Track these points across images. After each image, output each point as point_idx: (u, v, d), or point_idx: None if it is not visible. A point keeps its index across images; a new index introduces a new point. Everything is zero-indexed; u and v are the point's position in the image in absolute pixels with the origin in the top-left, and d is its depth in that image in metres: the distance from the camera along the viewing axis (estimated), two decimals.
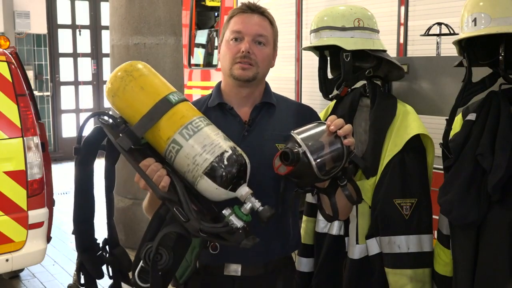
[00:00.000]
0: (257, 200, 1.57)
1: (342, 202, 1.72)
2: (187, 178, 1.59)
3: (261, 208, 1.56)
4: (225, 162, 1.55)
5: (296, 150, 1.55)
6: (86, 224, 1.77)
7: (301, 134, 1.59)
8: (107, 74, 9.79)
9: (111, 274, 1.79)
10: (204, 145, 1.55)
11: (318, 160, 1.56)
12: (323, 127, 1.61)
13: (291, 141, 1.60)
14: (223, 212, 1.57)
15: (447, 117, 1.88)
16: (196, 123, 1.59)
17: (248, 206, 1.56)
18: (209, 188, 1.56)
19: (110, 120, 1.68)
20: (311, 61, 4.14)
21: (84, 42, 9.92)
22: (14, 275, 4.57)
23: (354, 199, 1.70)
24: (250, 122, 1.87)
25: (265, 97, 1.92)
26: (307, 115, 1.95)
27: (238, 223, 1.55)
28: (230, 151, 1.57)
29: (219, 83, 1.96)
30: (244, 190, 1.58)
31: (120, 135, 1.59)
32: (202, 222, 1.51)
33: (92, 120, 1.73)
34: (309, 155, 1.55)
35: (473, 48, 1.82)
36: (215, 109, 1.90)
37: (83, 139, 1.70)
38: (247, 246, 1.55)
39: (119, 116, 1.66)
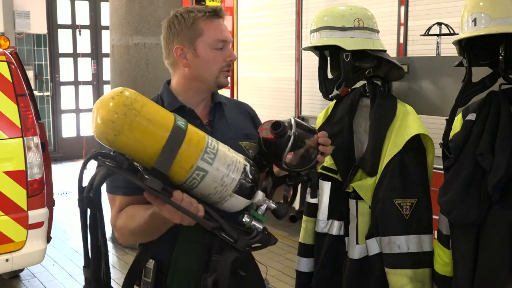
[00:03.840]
0: (271, 200, 1.63)
1: (279, 198, 1.83)
2: (210, 199, 1.58)
3: (276, 206, 1.63)
4: (250, 176, 1.58)
5: (287, 127, 1.65)
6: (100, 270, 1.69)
7: (297, 124, 1.69)
8: (107, 74, 9.78)
9: None
10: (227, 165, 1.55)
11: (291, 149, 1.66)
12: (314, 134, 1.72)
13: (287, 122, 1.68)
14: (244, 220, 1.61)
15: (447, 117, 1.89)
16: (210, 144, 1.56)
17: (264, 207, 1.62)
18: (238, 203, 1.58)
19: (105, 160, 1.54)
20: (311, 61, 4.15)
21: (84, 42, 9.92)
22: (14, 275, 4.57)
23: (286, 205, 1.73)
24: (211, 123, 1.88)
25: (216, 97, 1.93)
26: (250, 112, 2.03)
27: (260, 226, 1.61)
28: (248, 163, 1.60)
29: (167, 85, 1.91)
30: (260, 195, 1.62)
31: (146, 176, 1.48)
32: (243, 237, 1.57)
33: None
34: (291, 140, 1.64)
35: (473, 48, 1.82)
36: (174, 112, 1.82)
37: (94, 189, 1.54)
38: (273, 244, 1.63)
39: (115, 152, 1.53)
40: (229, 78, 1.86)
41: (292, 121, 1.68)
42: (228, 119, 1.91)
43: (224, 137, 1.82)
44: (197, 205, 1.53)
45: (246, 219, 1.60)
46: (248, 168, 1.59)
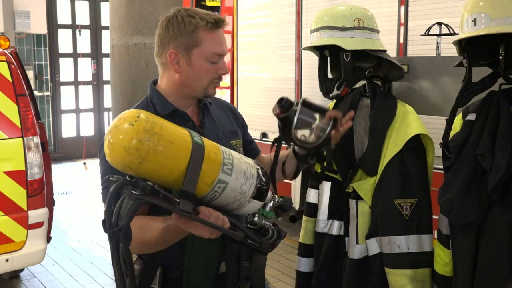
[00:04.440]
0: (277, 196, 1.65)
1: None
2: (229, 208, 1.58)
3: (282, 201, 1.65)
4: (263, 179, 1.59)
5: (291, 103, 1.78)
6: None
7: (305, 102, 1.80)
8: (107, 74, 9.78)
9: None
10: (244, 173, 1.55)
11: (300, 125, 1.78)
12: (326, 112, 1.84)
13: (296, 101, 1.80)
14: (255, 219, 1.62)
15: (447, 117, 1.88)
16: (226, 154, 1.56)
17: (271, 204, 1.64)
18: (253, 207, 1.59)
19: (131, 189, 1.44)
20: (311, 61, 4.15)
21: (84, 42, 9.92)
22: (14, 275, 4.57)
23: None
24: (202, 124, 1.87)
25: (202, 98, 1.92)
26: (232, 108, 2.06)
27: (269, 222, 1.64)
28: (259, 166, 1.61)
29: (154, 88, 1.87)
30: (269, 193, 1.63)
31: (177, 200, 1.46)
32: (265, 239, 1.59)
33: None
34: (297, 113, 1.77)
35: (473, 48, 1.82)
36: (167, 116, 1.79)
37: (126, 222, 1.44)
38: (284, 237, 1.67)
39: (136, 178, 1.46)
40: (216, 89, 1.86)
41: (300, 100, 1.79)
42: (215, 119, 1.92)
43: (216, 137, 1.83)
44: (223, 218, 1.53)
45: (257, 218, 1.62)
46: (260, 171, 1.60)
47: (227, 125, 1.95)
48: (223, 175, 1.51)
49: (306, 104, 1.78)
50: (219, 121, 1.92)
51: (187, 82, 1.81)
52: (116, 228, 1.43)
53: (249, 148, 2.03)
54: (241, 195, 1.54)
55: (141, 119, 1.42)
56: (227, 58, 5.42)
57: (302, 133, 1.81)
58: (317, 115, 1.82)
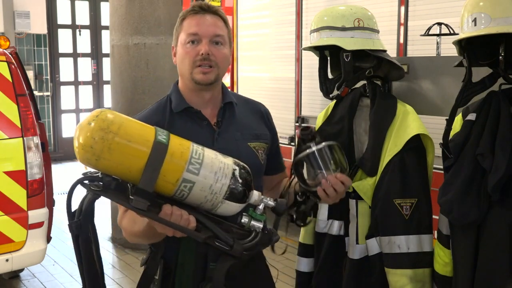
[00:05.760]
0: (269, 198, 1.63)
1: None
2: (203, 207, 1.57)
3: (275, 203, 1.63)
4: (239, 180, 1.57)
5: (314, 136, 1.79)
6: None
7: (324, 150, 1.80)
8: (107, 74, 9.78)
9: None
10: (215, 172, 1.53)
11: (308, 159, 1.79)
12: (339, 169, 1.82)
13: (317, 140, 1.80)
14: (243, 221, 1.60)
15: (447, 117, 1.89)
16: (195, 153, 1.54)
17: (262, 206, 1.61)
18: (230, 208, 1.57)
19: (91, 184, 1.53)
20: (311, 61, 4.15)
21: (84, 42, 9.92)
22: (14, 275, 4.57)
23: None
24: (219, 124, 1.86)
25: (226, 97, 1.91)
26: (263, 111, 2.03)
27: (260, 225, 1.61)
28: (237, 167, 1.59)
29: (176, 86, 1.92)
30: (256, 195, 1.61)
31: (131, 197, 1.48)
32: (239, 242, 1.57)
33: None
34: (305, 151, 1.77)
35: (473, 48, 1.82)
36: (181, 114, 1.84)
37: (82, 214, 1.57)
38: (276, 241, 1.64)
39: (101, 174, 1.52)
40: (208, 75, 1.80)
41: (324, 144, 1.77)
42: (238, 119, 1.90)
43: (232, 138, 1.82)
44: (187, 217, 1.52)
45: (244, 219, 1.60)
46: (237, 172, 1.57)
47: (251, 126, 1.91)
48: (188, 174, 1.50)
49: (326, 151, 1.78)
50: (241, 122, 1.90)
51: (179, 71, 1.86)
52: (73, 221, 1.55)
53: (272, 162, 2.01)
54: (212, 195, 1.53)
55: (99, 118, 1.47)
56: None
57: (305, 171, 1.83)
58: (332, 166, 1.79)
